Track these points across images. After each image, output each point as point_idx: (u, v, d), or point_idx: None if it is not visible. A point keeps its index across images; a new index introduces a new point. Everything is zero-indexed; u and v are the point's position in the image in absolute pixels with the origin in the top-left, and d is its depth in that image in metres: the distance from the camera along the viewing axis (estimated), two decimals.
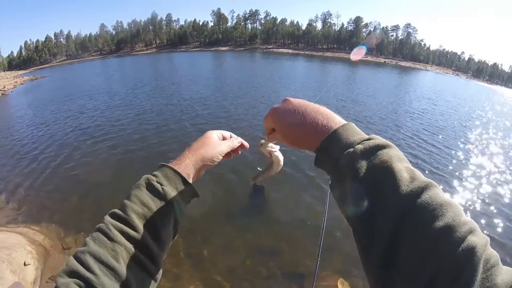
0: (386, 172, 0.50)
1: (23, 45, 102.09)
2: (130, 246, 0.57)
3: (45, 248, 5.62)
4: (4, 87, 32.89)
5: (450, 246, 0.40)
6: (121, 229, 0.58)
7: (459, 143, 12.27)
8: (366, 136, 0.58)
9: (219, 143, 0.79)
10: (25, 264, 5.01)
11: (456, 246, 0.40)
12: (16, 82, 40.60)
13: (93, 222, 6.22)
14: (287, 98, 0.69)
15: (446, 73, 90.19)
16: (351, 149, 0.55)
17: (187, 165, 0.71)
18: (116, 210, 0.63)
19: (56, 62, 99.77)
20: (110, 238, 0.56)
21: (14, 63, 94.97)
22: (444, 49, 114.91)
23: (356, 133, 0.59)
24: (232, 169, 7.78)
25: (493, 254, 0.41)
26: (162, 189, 0.65)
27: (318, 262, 2.29)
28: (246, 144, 0.87)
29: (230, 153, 0.84)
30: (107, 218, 0.61)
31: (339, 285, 4.66)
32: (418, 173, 0.51)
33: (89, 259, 0.52)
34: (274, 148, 0.87)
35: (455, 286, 0.38)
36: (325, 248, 2.49)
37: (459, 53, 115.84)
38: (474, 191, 7.90)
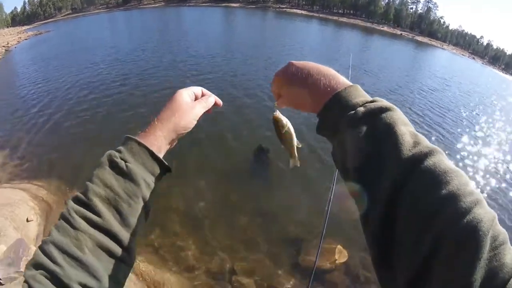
0: (388, 135, 0.48)
1: (26, 1, 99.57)
2: (94, 233, 0.52)
3: (48, 204, 5.62)
4: (7, 43, 32.27)
5: (454, 216, 0.38)
6: (84, 215, 0.53)
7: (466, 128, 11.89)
8: (370, 98, 0.56)
9: (191, 106, 0.70)
10: (27, 220, 5.01)
11: (459, 218, 0.37)
12: (20, 37, 39.78)
13: None
14: (290, 61, 0.68)
15: (463, 54, 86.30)
16: (353, 111, 0.54)
17: (157, 137, 0.64)
18: (79, 194, 0.56)
19: (61, 16, 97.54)
20: (73, 226, 0.52)
21: (18, 19, 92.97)
22: (463, 30, 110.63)
23: (360, 95, 0.57)
24: (234, 133, 7.70)
25: (501, 231, 0.38)
26: (127, 166, 0.58)
27: (324, 231, 2.19)
28: (219, 101, 0.78)
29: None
30: (70, 203, 0.55)
31: (336, 251, 4.72)
32: (422, 138, 0.49)
33: (52, 249, 0.49)
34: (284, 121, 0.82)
35: (458, 262, 0.36)
36: (329, 216, 2.37)
37: (478, 36, 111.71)
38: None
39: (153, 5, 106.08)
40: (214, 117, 8.63)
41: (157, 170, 0.62)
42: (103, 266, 0.53)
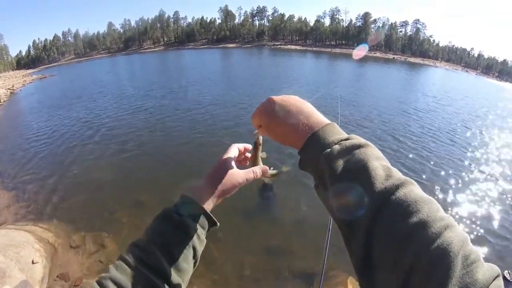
0: (361, 170, 0.50)
1: (31, 44, 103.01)
2: (148, 274, 0.58)
3: (53, 246, 5.61)
4: (13, 86, 33.13)
5: (424, 242, 0.40)
6: (140, 258, 0.60)
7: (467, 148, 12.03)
8: (345, 136, 0.59)
9: (236, 175, 0.75)
10: (33, 262, 5.00)
11: (430, 242, 0.39)
12: (25, 81, 40.92)
13: (101, 220, 6.26)
14: (270, 97, 0.71)
15: (456, 69, 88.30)
16: (328, 150, 0.56)
17: (205, 195, 0.71)
18: (136, 240, 0.65)
19: (65, 61, 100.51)
20: (130, 266, 0.59)
21: (23, 62, 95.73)
22: (454, 45, 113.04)
23: (335, 133, 0.60)
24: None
25: (473, 250, 0.41)
26: (181, 219, 0.66)
27: (325, 262, 2.23)
28: (266, 170, 0.83)
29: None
30: (129, 247, 0.63)
31: (348, 283, 4.58)
32: (395, 171, 0.51)
33: (110, 284, 0.55)
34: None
35: (431, 282, 0.37)
36: (334, 246, 2.43)
37: (468, 49, 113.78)
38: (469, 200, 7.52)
39: (153, 49, 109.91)
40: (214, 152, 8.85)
41: (206, 225, 0.70)
42: None
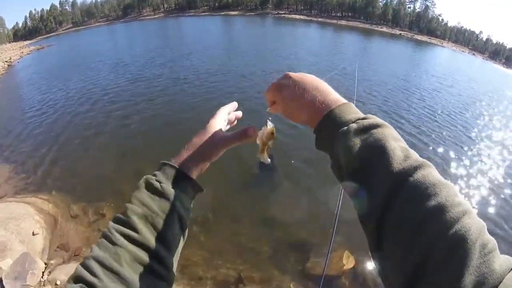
0: (379, 150, 0.50)
1: (28, 15, 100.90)
2: (133, 248, 0.56)
3: (53, 217, 5.63)
4: (10, 59, 32.44)
5: (442, 227, 0.39)
6: (122, 232, 0.57)
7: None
8: (362, 115, 0.59)
9: (219, 137, 0.73)
10: (33, 234, 5.02)
11: (448, 227, 0.39)
12: (22, 52, 40.10)
13: (100, 190, 6.25)
14: (287, 73, 0.70)
15: (463, 51, 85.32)
16: (345, 128, 0.56)
17: (187, 160, 0.69)
18: (118, 214, 0.61)
19: (62, 30, 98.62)
20: (112, 242, 0.56)
21: (20, 34, 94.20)
22: (462, 26, 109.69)
23: (352, 112, 0.60)
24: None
25: (490, 239, 0.40)
26: (161, 186, 0.63)
27: (333, 236, 2.18)
28: (252, 130, 0.75)
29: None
30: (110, 223, 0.60)
31: (344, 257, 4.68)
32: (413, 152, 0.51)
33: (93, 263, 0.53)
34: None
35: (448, 269, 0.37)
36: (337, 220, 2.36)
37: (477, 32, 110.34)
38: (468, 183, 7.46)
39: (152, 16, 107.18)
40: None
41: (190, 191, 0.67)
42: (142, 281, 0.55)
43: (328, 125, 0.59)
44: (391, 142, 0.51)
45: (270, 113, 0.75)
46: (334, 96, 0.63)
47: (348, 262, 4.61)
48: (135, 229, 0.57)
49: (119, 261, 0.54)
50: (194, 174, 0.68)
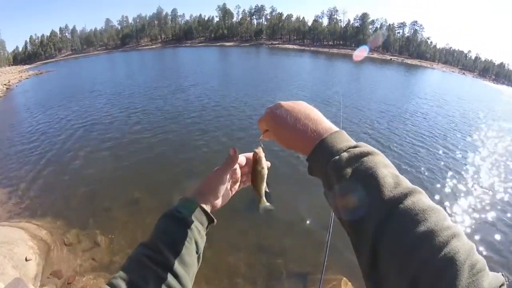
0: (370, 178, 0.51)
1: (28, 40, 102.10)
2: (157, 269, 0.62)
3: (47, 244, 5.63)
4: (9, 82, 32.91)
5: (431, 251, 0.41)
6: (148, 255, 0.63)
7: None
8: (353, 144, 0.60)
9: (224, 176, 0.79)
10: (26, 260, 5.02)
11: (437, 251, 0.40)
12: (21, 76, 40.54)
13: (95, 218, 6.27)
14: (279, 102, 0.72)
15: (452, 71, 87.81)
16: (337, 157, 0.56)
17: (200, 195, 0.76)
18: (144, 240, 0.69)
19: (62, 57, 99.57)
20: (138, 263, 0.63)
21: (19, 58, 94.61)
22: (451, 47, 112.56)
23: (344, 140, 0.61)
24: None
25: (479, 259, 0.41)
26: (182, 215, 0.70)
27: (325, 264, 2.26)
28: (231, 151, 0.81)
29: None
30: (137, 247, 0.67)
31: (342, 284, 4.66)
32: (403, 179, 0.52)
33: (120, 282, 0.58)
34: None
35: None
36: (330, 247, 2.46)
37: (465, 51, 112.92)
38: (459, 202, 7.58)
39: (150, 47, 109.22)
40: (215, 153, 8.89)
41: (205, 221, 0.74)
42: None
43: (320, 154, 0.61)
44: (382, 169, 0.52)
45: (263, 141, 0.81)
46: (325, 125, 0.65)
47: None
48: (159, 252, 0.64)
49: (146, 280, 0.60)
50: (208, 208, 0.76)
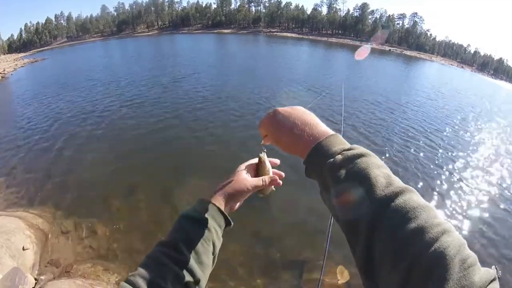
0: (363, 178, 0.54)
1: (23, 28, 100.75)
2: (175, 268, 0.64)
3: (44, 232, 5.60)
4: (4, 70, 32.51)
5: (422, 246, 0.42)
6: (168, 254, 0.66)
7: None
8: (348, 146, 0.63)
9: (245, 180, 0.82)
10: (24, 249, 4.99)
11: (427, 246, 0.42)
12: (16, 65, 40.04)
13: (92, 206, 6.24)
14: (276, 109, 0.76)
15: (451, 64, 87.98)
16: (332, 159, 0.60)
17: (218, 198, 0.79)
18: (163, 239, 0.71)
19: (57, 44, 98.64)
20: (157, 262, 0.65)
21: (14, 46, 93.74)
22: (450, 40, 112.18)
23: (338, 144, 0.64)
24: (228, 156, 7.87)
25: (470, 254, 0.43)
26: (200, 216, 0.73)
27: (326, 257, 2.26)
28: (276, 179, 0.86)
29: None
30: (155, 246, 0.69)
31: (338, 272, 4.71)
32: (395, 179, 0.54)
33: (139, 280, 0.60)
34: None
35: (429, 284, 0.39)
36: (330, 238, 2.46)
37: (465, 45, 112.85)
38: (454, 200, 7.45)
39: (147, 34, 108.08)
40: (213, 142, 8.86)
41: (222, 223, 0.77)
42: None
43: (316, 157, 0.64)
44: (374, 170, 0.55)
45: (264, 145, 0.84)
46: (321, 129, 0.69)
47: (343, 276, 4.64)
48: (178, 251, 0.66)
49: (164, 278, 0.62)
50: (226, 210, 0.79)
